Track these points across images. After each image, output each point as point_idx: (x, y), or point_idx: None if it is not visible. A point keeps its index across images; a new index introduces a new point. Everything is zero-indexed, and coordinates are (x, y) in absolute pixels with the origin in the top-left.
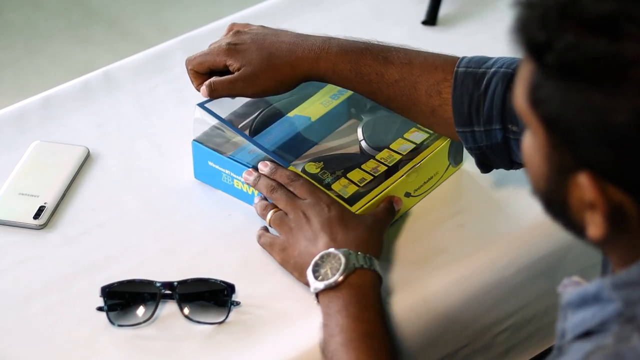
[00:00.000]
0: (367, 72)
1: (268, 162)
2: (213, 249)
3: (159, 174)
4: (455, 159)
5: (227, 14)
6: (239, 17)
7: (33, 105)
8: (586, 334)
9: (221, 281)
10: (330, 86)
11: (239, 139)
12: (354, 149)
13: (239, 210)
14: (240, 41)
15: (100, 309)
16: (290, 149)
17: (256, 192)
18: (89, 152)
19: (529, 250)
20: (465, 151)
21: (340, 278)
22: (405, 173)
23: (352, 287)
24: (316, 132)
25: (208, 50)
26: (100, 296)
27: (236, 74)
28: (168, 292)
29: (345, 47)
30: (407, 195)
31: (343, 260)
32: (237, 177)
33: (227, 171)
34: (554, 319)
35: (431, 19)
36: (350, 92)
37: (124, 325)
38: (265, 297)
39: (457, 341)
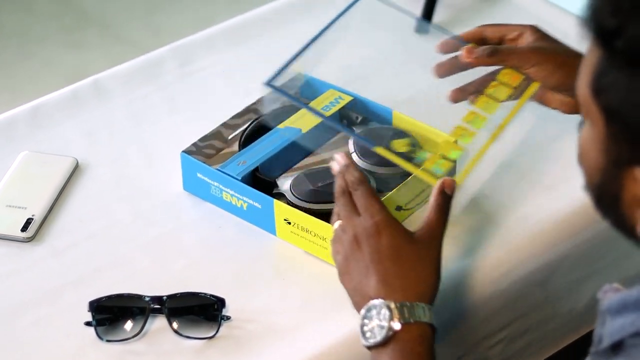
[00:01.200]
0: None
1: (343, 156)
2: (203, 261)
3: (150, 184)
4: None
5: (221, 18)
6: (230, 24)
7: (21, 115)
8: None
9: (211, 295)
10: (322, 98)
11: (228, 150)
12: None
13: (229, 222)
14: (546, 46)
15: (88, 323)
16: (279, 161)
17: (245, 206)
18: (77, 162)
19: (523, 262)
20: (458, 165)
21: (389, 334)
22: (396, 186)
23: (401, 342)
24: (307, 144)
25: (513, 49)
26: (89, 311)
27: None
28: (157, 306)
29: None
30: (399, 209)
31: (390, 315)
32: (226, 189)
33: (215, 183)
34: (549, 330)
35: (424, 27)
36: (342, 104)
37: (112, 341)
38: (256, 312)
39: (450, 354)
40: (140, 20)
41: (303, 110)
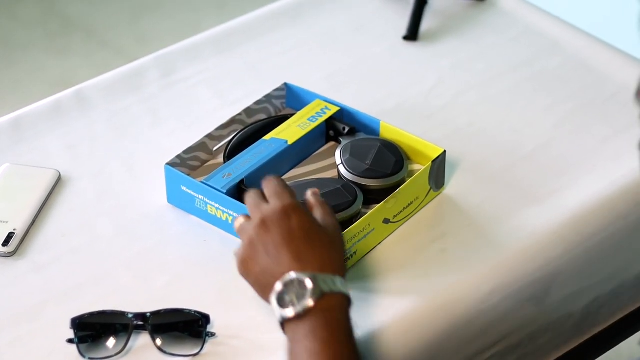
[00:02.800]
0: None
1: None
2: (187, 277)
3: (133, 197)
4: (437, 183)
5: (207, 23)
6: (215, 33)
7: (3, 126)
8: None
9: (195, 311)
10: (308, 108)
11: (213, 162)
12: (332, 173)
13: (214, 236)
14: None
15: (70, 341)
16: (265, 173)
17: (230, 219)
18: (60, 175)
19: (515, 276)
20: (447, 175)
21: (310, 304)
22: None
23: (320, 312)
24: (293, 155)
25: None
26: (71, 328)
27: None
28: (140, 323)
29: None
30: (386, 221)
31: (310, 286)
32: (211, 202)
33: (200, 196)
34: (541, 343)
35: (412, 35)
36: (328, 114)
37: (95, 358)
38: (242, 328)
39: None
40: (126, 26)
41: (289, 122)
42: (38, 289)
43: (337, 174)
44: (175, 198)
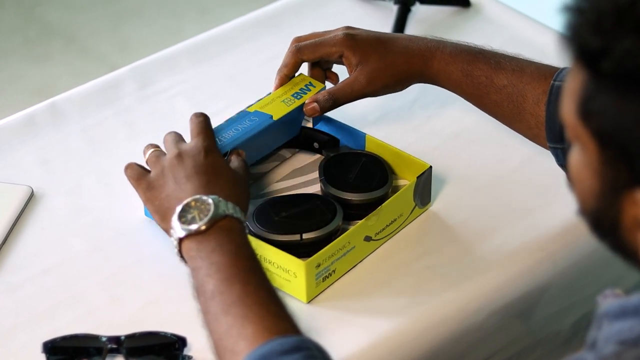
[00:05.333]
0: (477, 75)
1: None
2: (164, 298)
3: (108, 214)
4: (422, 199)
5: (189, 30)
6: (193, 43)
7: None
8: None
9: (172, 334)
10: (292, 83)
11: None
12: (316, 187)
13: None
14: (357, 32)
15: None
16: (251, 149)
17: None
18: (32, 191)
19: (502, 293)
20: (433, 191)
21: (209, 222)
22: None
23: (222, 230)
24: (277, 132)
25: (321, 39)
26: (42, 352)
27: (355, 73)
28: (115, 346)
29: (458, 48)
30: (367, 239)
31: (212, 205)
32: None
33: None
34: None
35: None
36: (313, 91)
37: None
38: None
39: None
40: (107, 33)
41: (273, 95)
42: (8, 311)
43: (320, 188)
44: None
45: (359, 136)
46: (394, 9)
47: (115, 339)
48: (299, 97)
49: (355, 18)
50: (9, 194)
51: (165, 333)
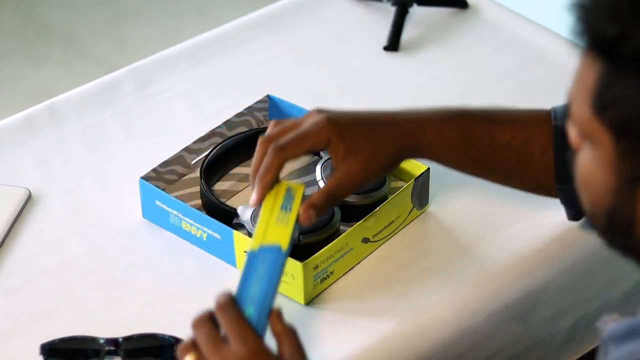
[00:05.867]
0: (478, 135)
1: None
2: (161, 300)
3: (106, 215)
4: (420, 201)
5: (188, 31)
6: (191, 44)
7: None
8: None
9: (170, 336)
10: (272, 195)
11: (192, 176)
12: (313, 190)
13: (189, 256)
14: (336, 116)
15: None
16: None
17: (204, 236)
18: (30, 193)
19: (500, 294)
20: (431, 193)
21: None
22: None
23: None
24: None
25: (303, 131)
26: (40, 354)
27: (347, 164)
28: (112, 348)
29: (447, 114)
30: (365, 240)
31: None
32: (185, 218)
33: (174, 212)
34: None
35: (393, 45)
36: (298, 194)
37: None
38: None
39: None
40: (105, 34)
41: (264, 218)
42: (6, 314)
43: (317, 190)
44: (150, 213)
45: None
46: (392, 10)
47: (113, 341)
48: (288, 208)
49: (353, 20)
50: (7, 195)
51: (163, 335)
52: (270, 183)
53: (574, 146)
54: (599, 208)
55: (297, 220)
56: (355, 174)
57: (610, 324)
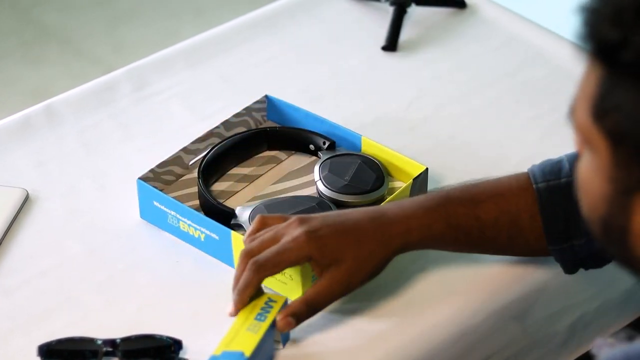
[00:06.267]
0: (464, 222)
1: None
2: (159, 300)
3: (104, 216)
4: None
5: (184, 30)
6: (188, 44)
7: None
8: None
9: (167, 337)
10: (251, 305)
11: (189, 177)
12: (311, 190)
13: (187, 256)
14: (315, 227)
15: None
16: None
17: (202, 237)
18: (28, 194)
19: (498, 294)
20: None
21: None
22: None
23: None
24: None
25: (281, 247)
26: (38, 355)
27: (330, 275)
28: (110, 349)
29: (431, 204)
30: None
31: None
32: (183, 219)
33: (172, 212)
34: None
35: (391, 45)
36: (275, 307)
37: None
38: None
39: None
40: (102, 35)
41: (236, 325)
42: (4, 314)
43: (316, 190)
44: (148, 214)
45: (355, 138)
46: (390, 10)
47: (111, 342)
48: (263, 318)
49: (351, 20)
50: (4, 196)
51: (161, 336)
52: (249, 297)
53: (578, 151)
54: (595, 215)
55: (274, 328)
56: (339, 284)
57: (605, 350)
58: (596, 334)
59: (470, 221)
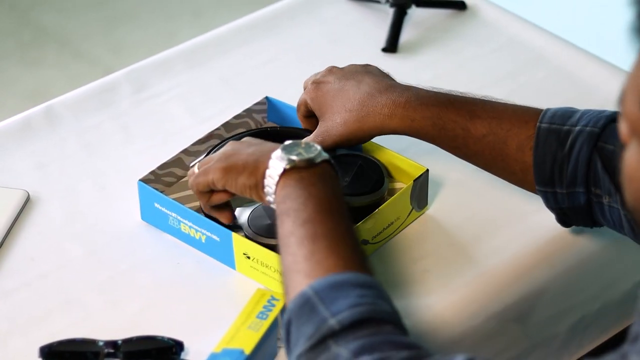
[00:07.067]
0: (451, 128)
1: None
2: (160, 302)
3: (104, 218)
4: (419, 202)
5: (183, 32)
6: (188, 46)
7: None
8: None
9: (169, 338)
10: (252, 302)
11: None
12: None
13: (188, 257)
14: (325, 80)
15: None
16: None
17: (203, 238)
18: (28, 195)
19: (499, 296)
20: (430, 194)
21: (318, 157)
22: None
23: (325, 171)
24: None
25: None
26: (39, 357)
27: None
28: (111, 351)
29: (425, 102)
30: (364, 242)
31: (319, 147)
32: (184, 220)
33: (173, 214)
34: None
35: (391, 46)
36: (277, 306)
37: None
38: None
39: None
40: (101, 37)
41: (237, 323)
42: (5, 316)
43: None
44: (149, 215)
45: None
46: (390, 12)
47: (112, 343)
48: (264, 316)
49: (350, 22)
50: (5, 198)
51: (162, 337)
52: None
53: (623, 140)
54: None
55: (276, 326)
56: (324, 127)
57: None
58: (597, 335)
59: (457, 129)
